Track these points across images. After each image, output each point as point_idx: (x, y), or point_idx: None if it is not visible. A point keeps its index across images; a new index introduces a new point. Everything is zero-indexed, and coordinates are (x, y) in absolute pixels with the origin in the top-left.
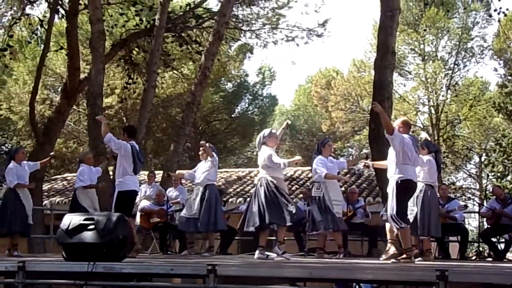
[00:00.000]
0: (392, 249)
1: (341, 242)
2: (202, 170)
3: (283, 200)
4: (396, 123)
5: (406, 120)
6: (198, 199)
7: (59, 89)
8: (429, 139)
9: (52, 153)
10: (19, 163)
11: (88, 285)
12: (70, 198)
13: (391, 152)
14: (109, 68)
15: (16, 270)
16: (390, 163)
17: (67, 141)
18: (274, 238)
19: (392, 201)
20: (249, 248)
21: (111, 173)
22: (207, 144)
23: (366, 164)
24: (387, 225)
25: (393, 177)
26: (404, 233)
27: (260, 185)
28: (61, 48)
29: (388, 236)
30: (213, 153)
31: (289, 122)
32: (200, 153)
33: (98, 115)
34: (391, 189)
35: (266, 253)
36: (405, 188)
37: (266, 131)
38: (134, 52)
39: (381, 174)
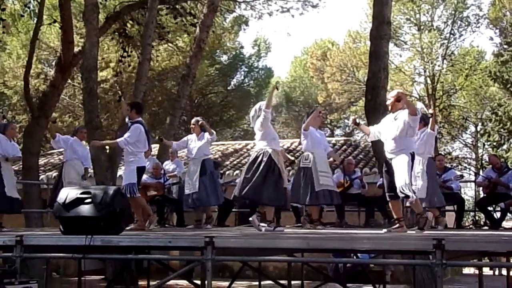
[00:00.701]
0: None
1: (317, 216)
2: (198, 144)
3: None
4: (392, 95)
5: (401, 92)
6: (197, 174)
7: (53, 63)
8: (425, 109)
9: (52, 117)
10: (10, 139)
11: (86, 258)
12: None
13: (397, 126)
14: (103, 41)
15: (14, 244)
16: (394, 137)
17: (62, 115)
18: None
19: (406, 174)
20: (246, 220)
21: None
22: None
23: (356, 121)
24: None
25: (403, 150)
26: (416, 204)
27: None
28: (55, 21)
29: (397, 215)
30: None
31: (278, 82)
32: (192, 126)
33: (93, 89)
34: (403, 163)
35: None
36: (413, 160)
37: (262, 104)
38: (128, 25)
39: (377, 144)
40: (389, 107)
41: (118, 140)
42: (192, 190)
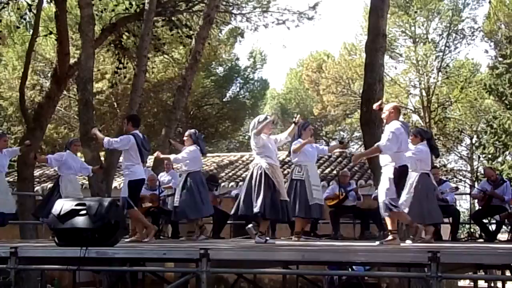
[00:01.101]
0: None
1: (300, 228)
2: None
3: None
4: (387, 108)
5: (397, 105)
6: (179, 187)
7: (49, 75)
8: (420, 122)
9: (27, 141)
10: (0, 151)
11: (81, 270)
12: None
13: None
14: (99, 53)
15: (8, 256)
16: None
17: (58, 127)
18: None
19: (391, 187)
20: (241, 232)
21: (102, 158)
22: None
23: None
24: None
25: (388, 165)
26: (399, 214)
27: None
28: (50, 33)
29: (391, 227)
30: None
31: (275, 118)
32: (184, 139)
33: (89, 100)
34: (387, 176)
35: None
36: (402, 173)
37: (261, 117)
38: (124, 37)
39: (372, 157)
40: (384, 120)
41: (105, 138)
42: (176, 203)
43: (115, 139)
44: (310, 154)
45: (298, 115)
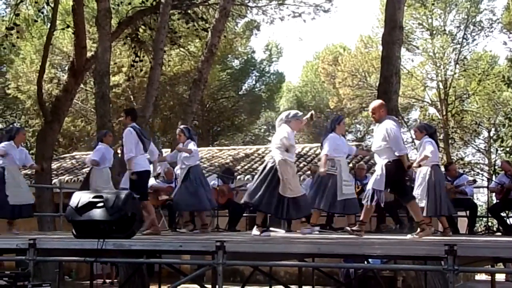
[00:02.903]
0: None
1: (315, 221)
2: (183, 154)
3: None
4: (374, 107)
5: (383, 102)
6: (180, 180)
7: (66, 68)
8: (437, 115)
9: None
10: (17, 145)
11: (98, 261)
12: (79, 177)
13: (383, 136)
14: (115, 46)
15: (27, 248)
16: (380, 145)
17: (75, 120)
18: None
19: (381, 179)
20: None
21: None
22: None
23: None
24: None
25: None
26: (370, 209)
27: (270, 164)
28: (68, 26)
29: (418, 218)
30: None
31: (313, 113)
32: (178, 136)
33: (105, 93)
34: (380, 169)
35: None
36: (399, 167)
37: (293, 112)
38: (141, 30)
39: None
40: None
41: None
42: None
43: (125, 148)
44: (341, 149)
45: (311, 112)
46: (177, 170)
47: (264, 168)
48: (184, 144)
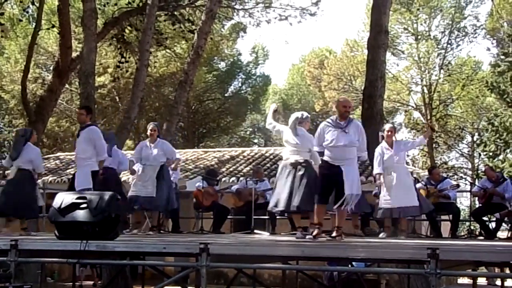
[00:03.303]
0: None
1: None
2: (155, 151)
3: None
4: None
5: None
6: (153, 179)
7: (51, 68)
8: (421, 119)
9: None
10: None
11: (80, 263)
12: (63, 177)
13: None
14: (101, 46)
15: (9, 249)
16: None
17: (59, 120)
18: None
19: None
20: (241, 227)
21: None
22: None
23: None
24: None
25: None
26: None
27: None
28: (53, 26)
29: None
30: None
31: (276, 105)
32: (151, 132)
33: (90, 94)
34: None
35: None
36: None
37: (304, 114)
38: (127, 31)
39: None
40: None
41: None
42: (144, 194)
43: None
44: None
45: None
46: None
47: (290, 172)
48: (154, 143)
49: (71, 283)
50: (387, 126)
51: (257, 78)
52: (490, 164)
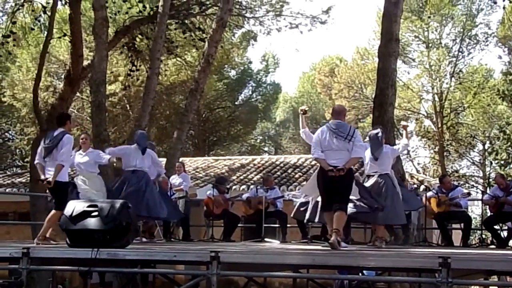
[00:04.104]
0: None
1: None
2: (85, 159)
3: None
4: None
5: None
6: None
7: (63, 76)
8: (432, 127)
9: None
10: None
11: (92, 271)
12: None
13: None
14: (112, 55)
15: (21, 256)
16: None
17: (70, 129)
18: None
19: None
20: (251, 235)
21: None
22: None
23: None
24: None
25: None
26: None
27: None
28: (64, 35)
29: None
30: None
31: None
32: (83, 141)
33: (102, 102)
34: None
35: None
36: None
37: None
38: (138, 39)
39: None
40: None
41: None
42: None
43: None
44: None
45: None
46: (172, 179)
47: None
48: (86, 151)
49: None
50: None
51: (268, 86)
52: (502, 172)
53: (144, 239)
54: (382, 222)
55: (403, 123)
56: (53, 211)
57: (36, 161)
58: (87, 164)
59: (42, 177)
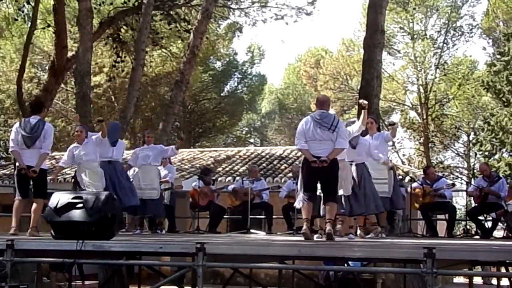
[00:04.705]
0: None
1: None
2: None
3: None
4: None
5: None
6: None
7: (47, 67)
8: (418, 118)
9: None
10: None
11: (77, 263)
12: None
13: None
14: (97, 46)
15: (5, 248)
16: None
17: (55, 120)
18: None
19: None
20: (237, 226)
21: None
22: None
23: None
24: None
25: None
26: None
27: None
28: (48, 25)
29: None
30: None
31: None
32: (78, 133)
33: (86, 93)
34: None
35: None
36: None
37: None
38: (122, 30)
39: None
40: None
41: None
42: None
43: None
44: None
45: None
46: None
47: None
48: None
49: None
50: None
51: (253, 78)
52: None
53: (140, 231)
54: (362, 213)
55: (390, 121)
56: (38, 201)
57: (12, 149)
58: (87, 156)
59: (25, 165)
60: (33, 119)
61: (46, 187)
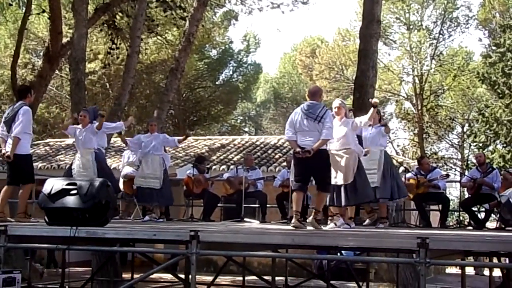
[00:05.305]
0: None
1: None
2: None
3: None
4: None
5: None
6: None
7: (41, 53)
8: (412, 109)
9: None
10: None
11: (70, 249)
12: (53, 164)
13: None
14: (92, 32)
15: None
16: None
17: (49, 106)
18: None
19: None
20: (231, 215)
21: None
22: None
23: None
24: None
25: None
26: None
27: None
28: (43, 11)
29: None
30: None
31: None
32: (81, 118)
33: (81, 80)
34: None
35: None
36: None
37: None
38: (118, 17)
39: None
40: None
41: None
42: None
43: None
44: None
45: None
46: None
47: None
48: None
49: (60, 269)
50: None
51: (249, 67)
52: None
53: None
54: (353, 203)
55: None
56: (23, 187)
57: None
58: (84, 140)
59: (3, 151)
60: (16, 104)
61: (28, 173)
